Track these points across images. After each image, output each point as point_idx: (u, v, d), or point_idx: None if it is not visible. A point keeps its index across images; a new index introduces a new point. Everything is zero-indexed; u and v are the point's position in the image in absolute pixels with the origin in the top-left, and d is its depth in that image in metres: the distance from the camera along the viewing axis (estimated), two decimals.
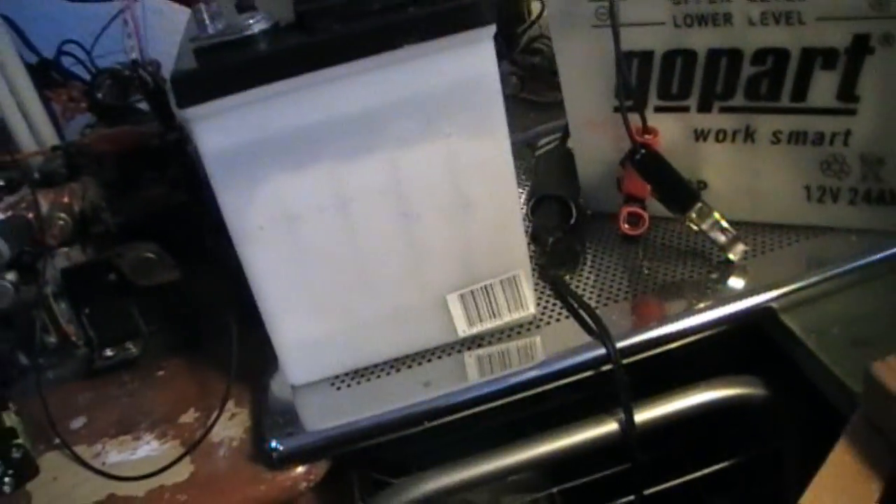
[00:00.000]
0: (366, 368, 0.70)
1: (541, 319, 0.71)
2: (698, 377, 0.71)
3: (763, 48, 0.67)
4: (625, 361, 0.66)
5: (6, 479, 0.69)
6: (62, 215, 0.73)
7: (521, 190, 0.86)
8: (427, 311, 0.68)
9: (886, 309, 0.65)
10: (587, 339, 0.68)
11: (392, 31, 0.57)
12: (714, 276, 0.72)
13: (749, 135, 0.71)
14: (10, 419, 0.70)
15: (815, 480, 0.49)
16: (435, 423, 0.66)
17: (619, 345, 0.66)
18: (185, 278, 0.77)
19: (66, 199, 0.75)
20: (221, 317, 0.74)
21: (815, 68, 0.66)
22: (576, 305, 0.71)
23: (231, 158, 0.59)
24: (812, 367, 0.64)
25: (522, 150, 0.96)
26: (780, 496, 0.74)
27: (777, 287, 0.68)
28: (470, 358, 0.70)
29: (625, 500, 0.74)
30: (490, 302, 0.69)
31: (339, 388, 0.69)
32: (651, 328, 0.68)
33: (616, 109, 0.75)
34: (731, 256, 0.71)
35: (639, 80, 0.72)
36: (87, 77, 0.89)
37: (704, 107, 0.72)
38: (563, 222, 0.79)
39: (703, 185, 0.75)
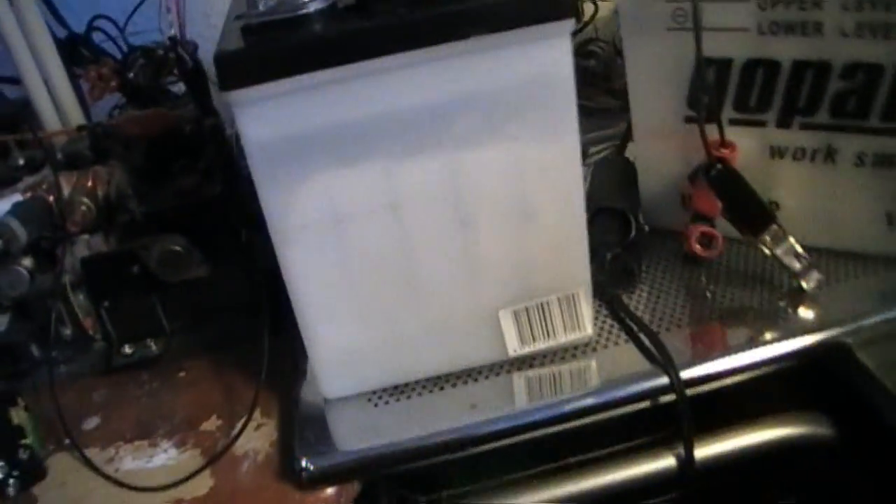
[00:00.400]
0: (406, 385, 0.65)
1: (597, 342, 0.66)
2: (757, 411, 0.66)
3: (854, 62, 0.62)
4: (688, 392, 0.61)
5: (11, 481, 0.64)
6: (85, 200, 0.68)
7: None
8: (477, 327, 0.63)
9: None
10: (647, 366, 0.63)
11: (461, 20, 0.52)
12: (785, 305, 0.66)
13: (830, 155, 0.66)
14: (19, 416, 0.65)
15: None
16: (480, 448, 0.61)
17: (683, 375, 0.61)
18: (215, 276, 0.72)
19: (90, 184, 0.70)
20: (251, 319, 0.69)
21: None
22: (636, 329, 0.65)
23: (276, 149, 0.54)
24: (889, 408, 0.59)
25: None
26: None
27: (853, 321, 0.63)
28: (519, 380, 0.64)
29: None
30: (545, 320, 0.63)
31: (376, 405, 0.64)
32: (717, 357, 0.63)
33: (687, 120, 0.70)
34: (805, 285, 0.66)
35: (714, 91, 0.66)
36: (119, 56, 0.84)
37: (784, 122, 0.67)
38: (621, 237, 0.73)
39: (776, 206, 0.70)
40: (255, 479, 0.62)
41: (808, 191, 0.68)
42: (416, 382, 0.65)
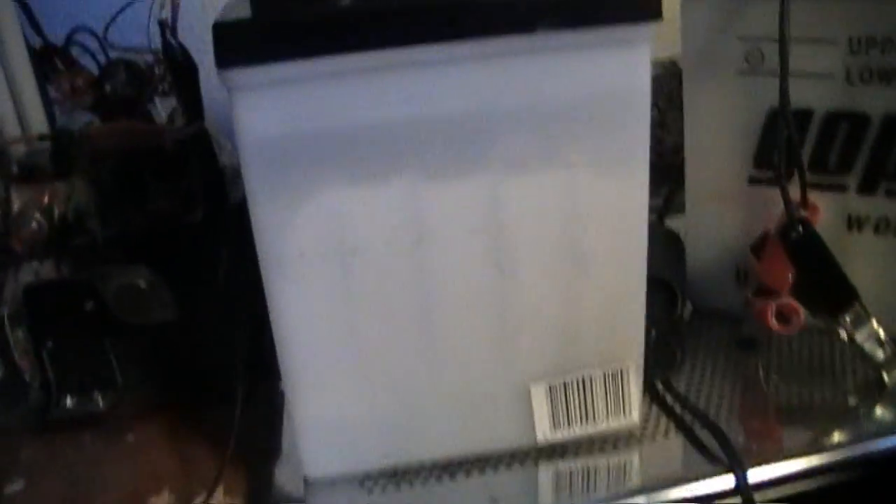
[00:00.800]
0: (409, 468, 0.53)
1: (642, 432, 0.54)
2: None
3: None
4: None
5: None
6: (37, 216, 0.57)
7: None
8: (502, 402, 0.51)
9: None
10: (703, 464, 0.52)
11: (525, 7, 0.42)
12: (863, 400, 0.56)
13: None
14: None
15: None
16: None
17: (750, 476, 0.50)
18: (184, 321, 0.60)
19: (45, 199, 0.59)
20: (224, 378, 0.57)
21: None
22: (689, 419, 0.54)
23: (278, 151, 0.43)
24: None
25: None
26: None
27: None
28: (547, 473, 0.53)
29: None
30: (585, 400, 0.52)
31: (370, 491, 0.52)
32: (789, 458, 0.51)
33: (752, 181, 0.60)
34: (887, 378, 0.56)
35: (791, 155, 0.57)
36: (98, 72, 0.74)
37: (867, 187, 0.57)
38: (667, 314, 0.63)
39: None
40: None
41: (890, 269, 0.58)
42: (422, 466, 0.53)
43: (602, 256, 0.49)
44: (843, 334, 0.56)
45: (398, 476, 0.52)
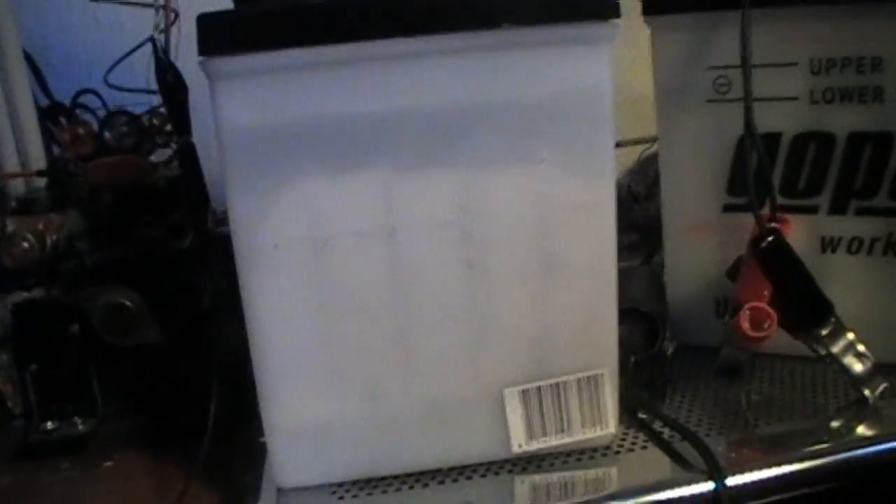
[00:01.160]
0: (383, 478, 0.52)
1: (620, 445, 0.54)
2: None
3: None
4: None
5: None
6: (29, 237, 0.59)
7: None
8: (477, 408, 0.51)
9: None
10: (682, 473, 0.51)
11: (492, 5, 0.45)
12: (843, 418, 0.55)
13: (891, 245, 0.57)
14: None
15: None
16: None
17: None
18: (167, 348, 0.61)
19: (40, 227, 0.61)
20: (203, 406, 0.57)
21: None
22: (668, 433, 0.54)
23: (256, 140, 0.45)
24: None
25: None
26: None
27: None
28: (523, 484, 0.52)
29: None
30: (560, 408, 0.52)
31: (341, 497, 0.51)
32: (767, 467, 0.51)
33: (727, 209, 0.62)
34: (868, 393, 0.55)
35: (761, 174, 0.59)
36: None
37: (838, 207, 0.59)
38: (648, 343, 0.63)
39: None
40: None
41: (865, 291, 0.59)
42: (396, 477, 0.52)
43: (572, 256, 0.50)
44: (821, 350, 0.56)
45: (369, 486, 0.51)
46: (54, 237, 0.61)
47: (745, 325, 0.53)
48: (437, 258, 0.48)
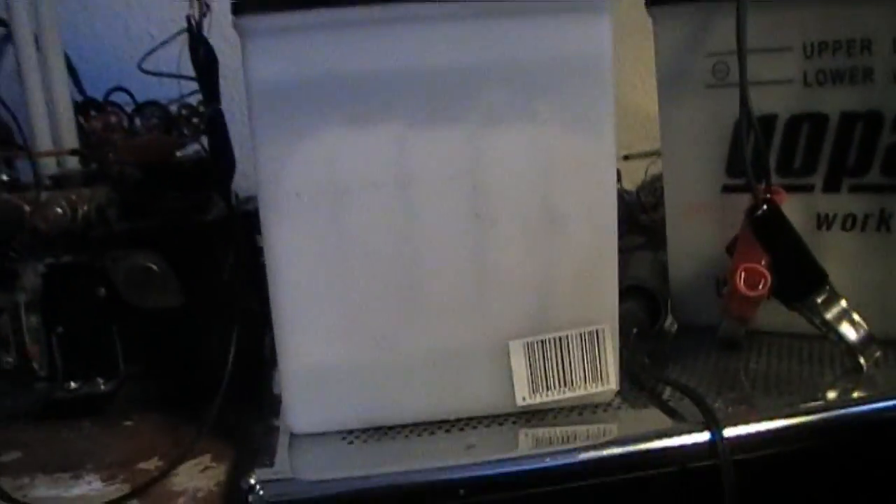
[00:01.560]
0: (391, 427, 0.54)
1: (622, 403, 0.56)
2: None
3: None
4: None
5: None
6: (63, 203, 0.62)
7: None
8: (482, 360, 0.53)
9: None
10: (680, 426, 0.52)
11: None
12: (841, 380, 0.57)
13: (884, 220, 0.60)
14: None
15: None
16: (475, 497, 0.50)
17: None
18: (189, 312, 0.64)
19: (72, 197, 0.64)
20: (220, 369, 0.60)
21: None
22: (668, 391, 0.56)
23: (283, 95, 0.49)
24: None
25: None
26: None
27: None
28: (526, 435, 0.54)
29: None
30: (562, 362, 0.54)
31: (351, 443, 0.53)
32: (763, 420, 0.52)
33: (725, 189, 0.64)
34: (862, 360, 0.57)
35: (757, 152, 0.61)
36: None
37: (832, 185, 0.61)
38: (650, 319, 0.65)
39: None
40: None
41: (860, 266, 0.61)
42: (404, 426, 0.54)
43: (574, 214, 0.52)
44: (816, 319, 0.58)
45: (378, 433, 0.54)
46: (85, 208, 0.64)
47: (741, 283, 0.55)
48: (446, 209, 0.51)
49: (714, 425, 0.51)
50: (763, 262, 0.58)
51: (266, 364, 0.65)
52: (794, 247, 0.58)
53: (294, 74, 0.49)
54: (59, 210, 0.62)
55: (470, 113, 0.50)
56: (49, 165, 0.76)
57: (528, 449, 0.52)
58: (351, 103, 0.50)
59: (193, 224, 0.64)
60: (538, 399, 0.54)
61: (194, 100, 0.79)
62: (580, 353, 0.54)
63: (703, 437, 0.51)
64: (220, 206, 0.67)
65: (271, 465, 0.51)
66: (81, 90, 0.87)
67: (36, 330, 0.63)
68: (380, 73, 0.49)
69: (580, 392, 0.55)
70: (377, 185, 0.51)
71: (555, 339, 0.54)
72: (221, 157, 0.59)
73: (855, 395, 0.55)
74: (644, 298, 0.66)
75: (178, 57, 0.75)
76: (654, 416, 0.54)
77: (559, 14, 0.50)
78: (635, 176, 1.02)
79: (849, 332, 0.57)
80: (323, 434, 0.54)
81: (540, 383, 0.54)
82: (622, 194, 1.01)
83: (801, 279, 0.58)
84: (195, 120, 0.78)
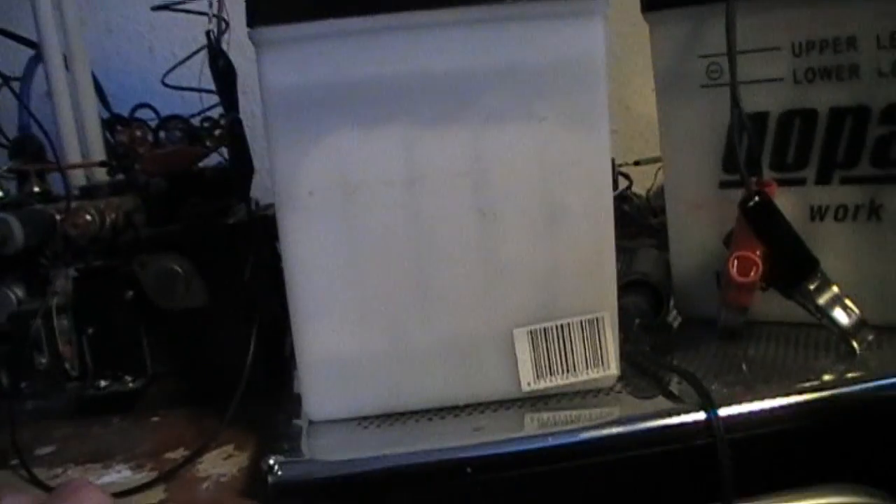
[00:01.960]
0: (404, 413, 0.57)
1: (622, 388, 0.58)
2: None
3: (894, 104, 0.60)
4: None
5: None
6: (92, 211, 0.66)
7: None
8: (489, 348, 0.56)
9: None
10: (678, 408, 0.55)
11: None
12: (835, 364, 0.59)
13: (874, 211, 0.62)
14: None
15: None
16: (482, 475, 0.52)
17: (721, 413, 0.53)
18: (214, 312, 0.67)
19: (101, 205, 0.68)
20: (243, 367, 0.63)
21: None
22: (668, 376, 0.58)
23: (295, 100, 0.52)
24: None
25: None
26: None
27: None
28: (532, 418, 0.56)
29: None
30: (565, 348, 0.57)
31: (366, 428, 0.56)
32: (757, 400, 0.55)
33: (722, 185, 0.67)
34: (856, 345, 0.59)
35: (750, 148, 0.64)
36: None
37: (824, 177, 0.64)
38: (653, 312, 0.68)
39: None
40: (213, 495, 0.53)
41: (853, 256, 0.63)
42: (415, 412, 0.57)
43: (573, 208, 0.55)
44: (809, 306, 0.60)
45: (391, 418, 0.56)
46: (113, 215, 0.68)
47: (733, 270, 0.58)
48: (452, 205, 0.54)
49: (710, 405, 0.54)
50: (758, 253, 0.61)
51: (286, 362, 0.68)
52: (786, 236, 0.60)
53: (305, 81, 0.52)
54: (88, 217, 0.65)
55: (473, 114, 0.54)
56: (79, 179, 0.81)
57: (532, 429, 0.54)
58: (360, 107, 0.53)
59: (216, 228, 0.68)
60: (542, 384, 0.57)
61: (215, 113, 0.84)
62: (581, 339, 0.57)
63: (700, 416, 0.53)
64: (240, 211, 0.70)
65: (290, 449, 0.54)
66: (108, 107, 0.91)
67: (67, 332, 0.67)
68: (386, 78, 0.53)
69: (582, 377, 0.57)
70: (386, 183, 0.54)
71: (557, 327, 0.57)
72: (241, 163, 0.63)
73: (848, 375, 0.57)
74: (647, 292, 0.69)
75: (199, 73, 0.79)
76: (654, 399, 0.57)
77: (555, 19, 0.53)
78: (646, 181, 1.05)
79: (841, 316, 0.59)
80: (339, 421, 0.57)
81: (544, 369, 0.57)
82: (633, 197, 1.04)
83: (794, 267, 0.60)
84: (216, 132, 0.82)
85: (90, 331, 0.67)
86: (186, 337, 0.68)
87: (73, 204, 0.68)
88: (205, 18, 0.68)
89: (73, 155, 0.79)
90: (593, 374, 0.57)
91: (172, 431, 0.64)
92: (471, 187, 0.54)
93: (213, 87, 0.73)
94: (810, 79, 0.63)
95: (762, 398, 0.55)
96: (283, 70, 0.52)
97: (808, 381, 0.57)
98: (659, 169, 0.99)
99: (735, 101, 0.61)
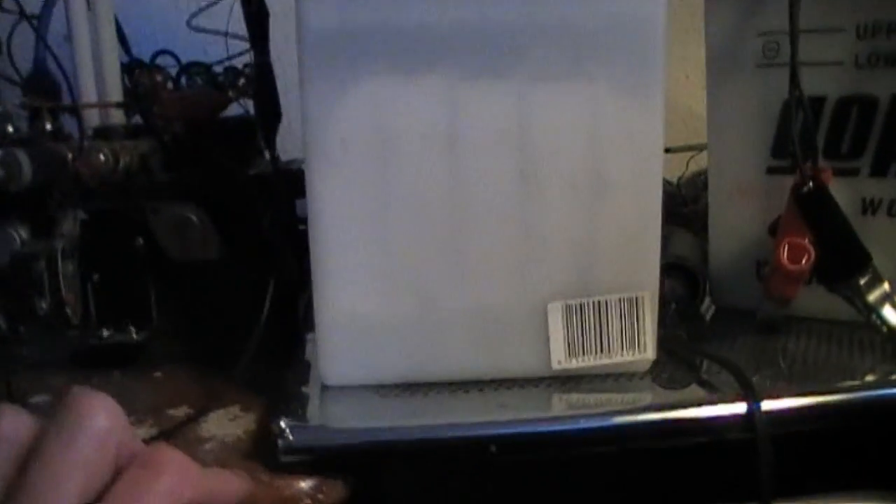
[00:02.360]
0: (424, 384, 0.54)
1: (658, 374, 0.55)
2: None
3: None
4: None
5: None
6: (106, 151, 0.62)
7: None
8: (521, 321, 0.53)
9: None
10: (717, 397, 0.52)
11: None
12: (880, 364, 0.56)
13: None
14: None
15: None
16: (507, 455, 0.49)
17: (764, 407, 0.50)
18: (227, 267, 0.64)
19: (116, 147, 0.64)
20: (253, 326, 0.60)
21: None
22: (706, 364, 0.55)
23: (333, 43, 0.49)
24: None
25: None
26: None
27: None
28: (560, 400, 0.53)
29: None
30: (600, 327, 0.53)
31: (384, 397, 0.53)
32: (806, 395, 0.52)
33: (770, 171, 0.64)
34: None
35: (806, 132, 0.61)
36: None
37: (879, 169, 0.60)
38: (689, 296, 0.65)
39: None
40: (217, 456, 0.50)
41: None
42: (437, 383, 0.54)
43: (620, 179, 0.52)
44: (858, 301, 0.57)
45: (411, 388, 0.53)
46: (127, 158, 0.65)
47: (784, 257, 0.55)
48: (493, 166, 0.51)
49: (752, 397, 0.50)
50: (807, 241, 0.58)
51: (300, 325, 0.65)
52: (839, 226, 0.57)
53: (345, 22, 0.49)
54: (101, 157, 0.62)
55: (520, 69, 0.50)
56: (93, 120, 0.77)
57: (561, 410, 0.51)
58: (401, 54, 0.49)
59: (236, 178, 0.64)
60: (574, 363, 0.54)
61: (239, 63, 0.80)
62: (619, 319, 0.54)
63: (741, 408, 0.50)
64: (262, 163, 0.67)
65: (302, 413, 0.50)
66: (128, 51, 0.87)
67: (72, 277, 0.63)
68: (430, 26, 0.49)
69: (616, 359, 0.54)
70: (424, 137, 0.50)
71: (594, 304, 0.53)
72: (269, 108, 0.59)
73: (894, 377, 0.54)
74: (683, 276, 0.66)
75: (227, 18, 0.76)
76: (689, 388, 0.54)
77: None
78: (677, 169, 1.02)
79: (891, 315, 0.56)
80: (355, 387, 0.54)
81: (576, 347, 0.54)
82: (664, 184, 1.01)
83: (844, 259, 0.57)
84: (240, 82, 0.79)
85: (95, 277, 0.63)
86: (196, 291, 0.64)
87: (86, 143, 0.64)
88: None
89: (89, 97, 0.76)
90: (628, 356, 0.54)
91: (176, 388, 0.60)
92: (514, 148, 0.51)
93: (239, 32, 0.70)
94: (873, 64, 0.59)
95: (807, 394, 0.52)
96: (326, 11, 0.49)
97: (852, 380, 0.54)
98: (691, 158, 0.97)
99: (795, 82, 0.57)
